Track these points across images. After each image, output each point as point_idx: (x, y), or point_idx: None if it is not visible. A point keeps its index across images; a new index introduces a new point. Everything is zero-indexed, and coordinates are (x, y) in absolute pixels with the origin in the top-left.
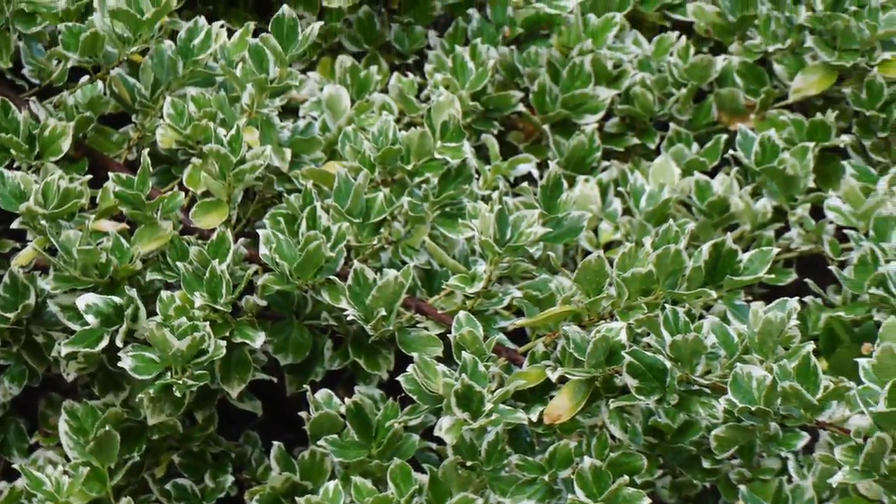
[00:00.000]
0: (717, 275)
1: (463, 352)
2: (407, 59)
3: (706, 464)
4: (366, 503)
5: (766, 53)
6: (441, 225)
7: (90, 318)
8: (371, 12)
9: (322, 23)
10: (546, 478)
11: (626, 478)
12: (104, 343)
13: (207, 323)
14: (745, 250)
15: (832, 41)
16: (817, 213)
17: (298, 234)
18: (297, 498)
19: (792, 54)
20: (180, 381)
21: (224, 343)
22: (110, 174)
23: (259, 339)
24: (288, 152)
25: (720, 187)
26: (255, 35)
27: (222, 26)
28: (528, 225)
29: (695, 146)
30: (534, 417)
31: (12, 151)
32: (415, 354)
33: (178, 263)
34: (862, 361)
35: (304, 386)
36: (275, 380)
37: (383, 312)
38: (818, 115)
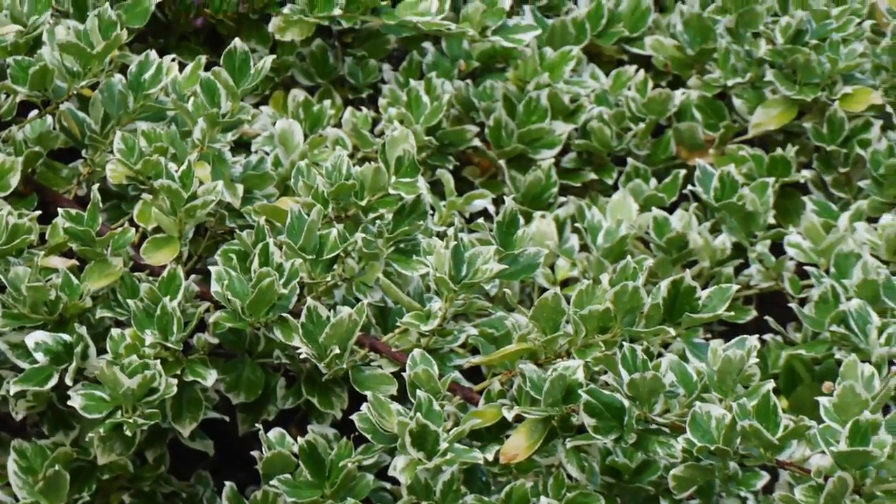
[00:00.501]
0: (676, 312)
1: (418, 390)
2: (361, 94)
3: None
4: None
5: (725, 87)
6: (395, 262)
7: (39, 356)
8: (324, 46)
9: (275, 56)
10: None
11: None
12: (54, 381)
13: (158, 361)
14: (704, 287)
15: (792, 75)
16: (777, 249)
17: (251, 271)
18: None
19: (752, 88)
20: (131, 420)
21: (175, 381)
22: (60, 210)
23: (211, 378)
24: (240, 188)
25: (679, 223)
26: (206, 69)
27: (173, 60)
28: (484, 261)
29: (653, 181)
30: (490, 457)
31: None
32: (369, 393)
33: (129, 301)
34: (822, 400)
35: (257, 425)
36: (227, 418)
37: (337, 350)
38: (778, 150)
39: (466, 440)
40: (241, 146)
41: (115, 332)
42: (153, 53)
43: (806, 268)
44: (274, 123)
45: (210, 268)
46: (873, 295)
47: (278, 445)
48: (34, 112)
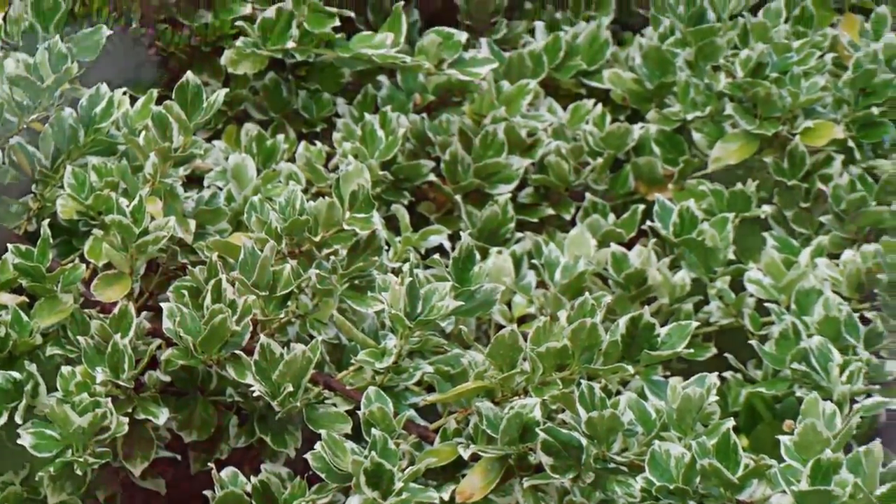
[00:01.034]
0: (635, 349)
1: (372, 429)
2: (315, 128)
3: None
4: None
5: (684, 121)
6: (350, 298)
7: None
8: (277, 79)
9: (227, 90)
10: None
11: None
12: (3, 419)
13: (109, 399)
14: (663, 324)
15: (753, 109)
16: (737, 285)
17: (203, 308)
18: None
19: (711, 122)
20: (81, 459)
21: (126, 420)
22: (9, 246)
23: (162, 416)
24: (192, 223)
25: (637, 259)
26: (158, 102)
27: (125, 93)
28: (440, 298)
29: (611, 217)
30: (445, 496)
31: None
32: (323, 431)
33: (80, 338)
34: (783, 439)
35: (209, 464)
36: (179, 457)
37: (290, 388)
38: (738, 185)
39: (422, 479)
40: (194, 181)
41: (65, 369)
42: (104, 87)
43: (766, 304)
44: (227, 158)
45: (162, 304)
46: (835, 332)
47: (231, 485)
48: None
